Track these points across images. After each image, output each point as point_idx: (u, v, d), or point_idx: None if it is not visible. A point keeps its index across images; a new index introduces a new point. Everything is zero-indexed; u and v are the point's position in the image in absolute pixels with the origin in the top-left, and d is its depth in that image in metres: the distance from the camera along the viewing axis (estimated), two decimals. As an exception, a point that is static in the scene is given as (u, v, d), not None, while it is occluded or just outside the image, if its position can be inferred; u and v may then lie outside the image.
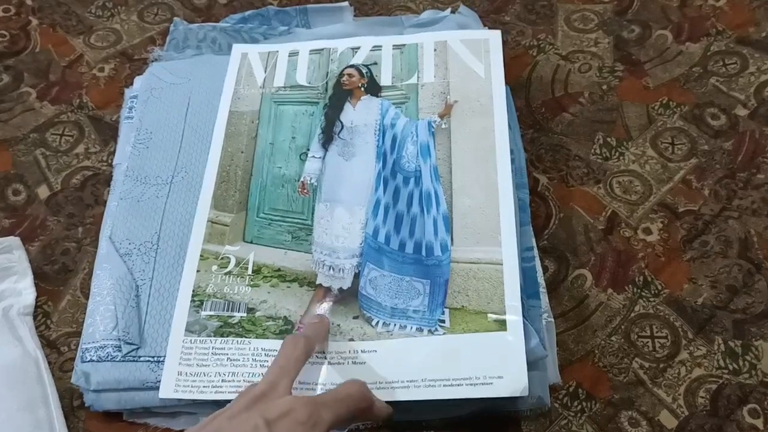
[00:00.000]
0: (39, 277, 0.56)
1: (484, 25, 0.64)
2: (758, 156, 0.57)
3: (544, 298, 0.50)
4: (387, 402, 0.44)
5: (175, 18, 0.68)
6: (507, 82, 0.61)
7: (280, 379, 0.39)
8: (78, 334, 0.52)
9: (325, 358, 0.47)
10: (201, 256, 0.52)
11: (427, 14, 0.64)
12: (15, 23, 0.71)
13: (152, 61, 0.65)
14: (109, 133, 0.63)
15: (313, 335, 0.45)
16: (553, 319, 0.50)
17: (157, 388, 0.48)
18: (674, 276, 0.52)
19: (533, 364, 0.46)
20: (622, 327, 0.51)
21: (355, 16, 0.67)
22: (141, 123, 0.60)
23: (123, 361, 0.49)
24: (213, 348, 0.49)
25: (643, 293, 0.52)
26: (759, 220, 0.54)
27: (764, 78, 0.61)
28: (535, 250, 0.52)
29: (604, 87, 0.62)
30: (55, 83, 0.66)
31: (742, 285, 0.52)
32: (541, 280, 0.51)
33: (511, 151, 0.55)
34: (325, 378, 0.47)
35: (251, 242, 0.54)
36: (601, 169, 0.58)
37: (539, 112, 0.61)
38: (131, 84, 0.64)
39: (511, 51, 0.65)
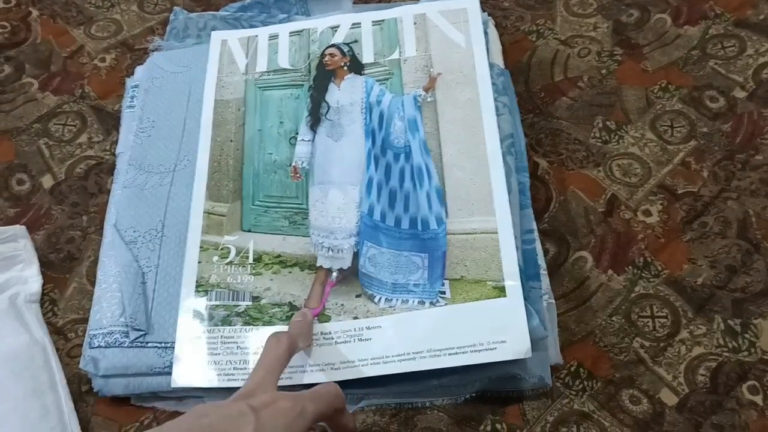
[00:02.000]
0: (45, 265, 0.56)
1: (483, 11, 0.64)
2: (756, 137, 0.58)
3: (545, 280, 0.51)
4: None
5: (175, 7, 0.68)
6: (507, 67, 0.61)
7: (266, 377, 0.41)
8: (85, 320, 0.52)
9: (332, 338, 0.48)
10: (201, 247, 0.53)
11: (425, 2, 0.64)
12: (15, 14, 0.71)
13: (153, 51, 0.65)
14: (111, 123, 0.63)
15: (296, 333, 0.46)
16: (554, 301, 0.50)
17: (165, 374, 0.49)
18: (674, 257, 0.53)
19: (534, 344, 0.46)
20: (623, 307, 0.51)
21: (354, 3, 0.67)
22: (143, 112, 0.60)
23: (131, 347, 0.49)
24: (222, 337, 0.49)
25: (643, 274, 0.53)
26: (757, 201, 0.55)
27: (762, 60, 0.61)
28: (536, 233, 0.53)
29: (603, 71, 0.62)
30: (57, 74, 0.67)
31: (741, 265, 0.52)
32: (541, 262, 0.52)
33: (511, 135, 0.55)
34: (334, 357, 0.47)
35: (249, 231, 0.54)
36: (600, 152, 0.58)
37: (539, 97, 0.62)
38: (132, 74, 0.65)
39: (511, 36, 0.65)
